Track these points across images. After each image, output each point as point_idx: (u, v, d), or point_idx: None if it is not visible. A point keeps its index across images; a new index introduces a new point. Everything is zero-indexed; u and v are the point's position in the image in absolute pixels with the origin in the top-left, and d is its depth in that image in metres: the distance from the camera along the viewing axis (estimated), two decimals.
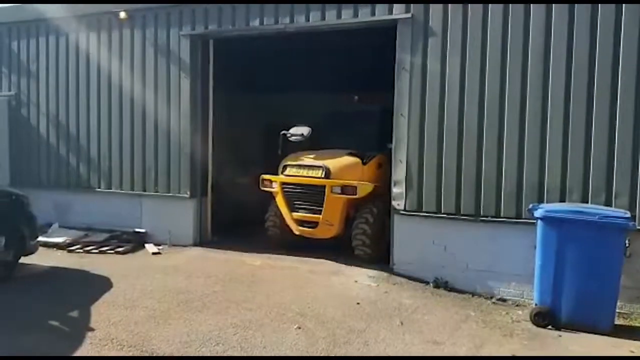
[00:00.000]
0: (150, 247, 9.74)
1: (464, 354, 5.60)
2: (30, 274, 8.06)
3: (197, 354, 5.31)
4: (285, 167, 9.61)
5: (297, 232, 9.49)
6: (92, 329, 5.82)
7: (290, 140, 10.01)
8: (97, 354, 5.25)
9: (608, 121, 7.07)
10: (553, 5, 7.25)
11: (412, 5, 8.01)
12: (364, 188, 8.77)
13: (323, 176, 9.03)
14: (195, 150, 9.90)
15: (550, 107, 7.30)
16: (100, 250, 9.57)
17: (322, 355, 5.40)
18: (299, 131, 9.86)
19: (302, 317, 6.36)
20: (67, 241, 9.82)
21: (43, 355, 5.22)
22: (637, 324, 6.66)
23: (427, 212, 8.03)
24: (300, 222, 9.34)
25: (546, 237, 6.48)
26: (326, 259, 9.03)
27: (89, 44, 10.58)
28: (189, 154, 9.83)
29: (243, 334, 5.79)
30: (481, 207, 7.70)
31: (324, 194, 8.94)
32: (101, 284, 7.53)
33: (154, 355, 5.27)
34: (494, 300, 7.47)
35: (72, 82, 10.81)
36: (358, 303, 6.95)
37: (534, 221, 6.76)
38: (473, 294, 7.64)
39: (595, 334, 6.17)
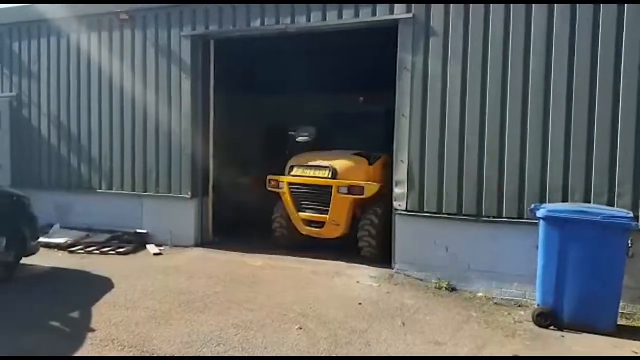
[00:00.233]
0: (151, 248, 9.73)
1: (465, 354, 5.57)
2: (31, 274, 8.05)
3: (198, 355, 5.29)
4: (292, 167, 9.69)
5: (303, 232, 9.56)
6: (92, 330, 5.81)
7: (297, 141, 10.08)
8: (97, 355, 5.23)
9: (610, 121, 7.04)
10: (555, 4, 7.22)
11: (413, 5, 7.99)
12: (371, 188, 8.85)
13: (330, 176, 9.12)
14: (196, 150, 9.90)
15: (552, 106, 7.28)
16: (101, 251, 9.55)
17: (323, 355, 5.38)
18: (306, 132, 9.90)
19: (304, 317, 6.35)
20: (68, 242, 9.81)
21: (44, 355, 5.20)
22: None
23: (428, 213, 8.00)
24: (307, 222, 9.43)
25: (548, 237, 6.44)
26: (328, 259, 9.05)
27: (89, 44, 10.58)
28: (190, 154, 9.82)
29: (244, 334, 5.78)
30: (483, 207, 7.67)
31: (331, 194, 9.03)
32: (102, 285, 7.52)
33: (155, 355, 5.25)
34: (496, 300, 7.43)
35: (73, 83, 10.81)
36: (360, 303, 6.93)
37: (536, 221, 6.72)
38: (475, 295, 7.61)
39: (598, 334, 6.13)
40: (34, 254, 8.08)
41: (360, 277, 8.10)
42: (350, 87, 11.32)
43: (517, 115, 7.45)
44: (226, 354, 5.32)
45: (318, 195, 9.21)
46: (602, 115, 7.07)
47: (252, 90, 13.36)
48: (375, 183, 8.94)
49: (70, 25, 10.70)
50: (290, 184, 9.50)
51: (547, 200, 7.24)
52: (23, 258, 7.91)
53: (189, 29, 9.66)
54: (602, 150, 7.07)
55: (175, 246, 9.89)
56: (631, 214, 6.36)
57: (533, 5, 7.34)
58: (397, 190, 8.24)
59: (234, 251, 9.57)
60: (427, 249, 8.05)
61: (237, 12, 9.24)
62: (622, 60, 6.98)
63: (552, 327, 6.35)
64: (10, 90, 11.43)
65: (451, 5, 7.76)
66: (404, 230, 8.23)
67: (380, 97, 9.29)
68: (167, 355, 5.27)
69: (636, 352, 5.75)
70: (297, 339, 5.71)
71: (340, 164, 9.25)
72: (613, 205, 6.96)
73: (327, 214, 9.15)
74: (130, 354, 5.27)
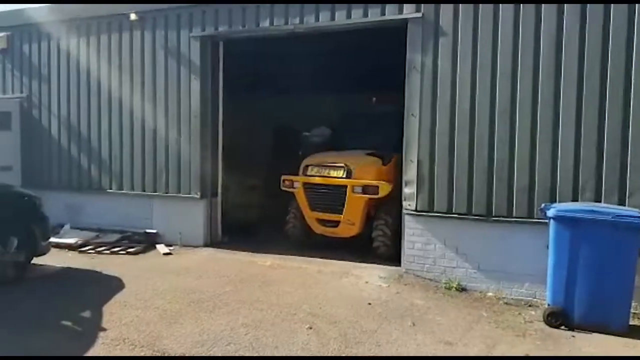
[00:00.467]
0: (161, 248, 9.77)
1: (476, 354, 5.56)
2: (42, 274, 8.09)
3: (208, 354, 5.31)
4: (306, 167, 9.75)
5: (318, 231, 9.66)
6: (104, 329, 5.83)
7: (311, 141, 10.21)
8: (109, 354, 5.26)
9: (621, 120, 7.00)
10: (565, 5, 7.20)
11: (422, 5, 7.98)
12: (385, 188, 8.91)
13: (345, 176, 9.20)
14: (206, 151, 9.92)
15: (562, 105, 7.25)
16: (111, 251, 9.60)
17: (334, 355, 5.38)
18: (320, 132, 10.05)
19: (314, 317, 6.35)
20: (79, 242, 9.86)
21: (56, 355, 5.23)
22: None
23: (438, 212, 7.98)
24: (322, 222, 9.53)
25: (559, 237, 6.42)
26: (337, 259, 9.06)
27: (99, 46, 10.64)
28: (199, 154, 9.85)
29: (254, 333, 5.79)
30: (493, 207, 7.65)
31: (346, 194, 9.11)
32: (113, 285, 7.56)
33: (166, 355, 5.27)
34: (506, 300, 7.41)
35: (83, 84, 10.87)
36: (369, 304, 6.93)
37: (546, 221, 6.70)
38: (485, 295, 7.59)
39: (609, 334, 6.10)
40: (45, 254, 8.12)
41: (370, 277, 8.10)
42: (359, 87, 11.33)
43: (527, 115, 7.42)
44: (237, 354, 5.33)
45: (333, 195, 9.29)
46: (612, 114, 7.03)
47: (259, 91, 13.40)
48: (389, 183, 8.99)
49: (80, 27, 10.78)
50: (305, 183, 9.58)
51: (557, 200, 7.21)
52: (34, 258, 7.95)
53: (199, 30, 9.68)
54: (613, 149, 7.03)
55: (185, 246, 9.92)
56: None
57: (543, 4, 7.31)
58: (406, 190, 8.23)
59: (243, 251, 9.59)
60: (437, 249, 8.04)
61: (246, 13, 9.26)
62: (633, 60, 6.94)
63: (563, 327, 6.32)
64: (21, 92, 11.51)
65: (460, 4, 7.74)
66: (413, 230, 8.20)
67: (389, 97, 9.31)
68: (178, 355, 5.28)
69: None
70: (307, 339, 5.71)
71: (355, 163, 9.33)
72: (624, 205, 6.91)
73: (341, 213, 9.23)
74: (142, 354, 5.29)
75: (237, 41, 9.98)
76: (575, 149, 7.19)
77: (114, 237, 10.21)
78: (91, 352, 5.28)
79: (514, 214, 7.54)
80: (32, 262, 7.95)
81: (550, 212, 6.50)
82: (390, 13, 8.22)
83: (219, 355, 5.30)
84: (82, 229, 10.56)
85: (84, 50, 10.81)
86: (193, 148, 9.85)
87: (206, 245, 10.01)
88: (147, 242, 10.01)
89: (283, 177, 9.92)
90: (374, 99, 10.67)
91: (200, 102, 9.78)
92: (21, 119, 11.48)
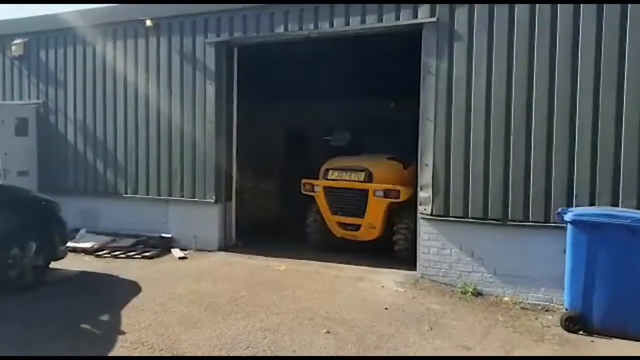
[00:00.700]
0: (176, 252, 9.82)
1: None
2: (60, 278, 8.15)
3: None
4: (327, 171, 9.82)
5: (338, 235, 9.76)
6: (123, 332, 5.87)
7: (332, 145, 10.40)
8: (127, 356, 5.30)
9: (638, 123, 6.98)
10: (581, 5, 7.19)
11: (437, 9, 7.99)
12: (406, 192, 8.95)
13: (366, 180, 9.26)
14: (220, 155, 9.97)
15: (579, 109, 7.23)
16: (127, 255, 9.65)
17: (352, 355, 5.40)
18: (340, 136, 10.27)
19: (331, 321, 6.36)
20: (95, 246, 9.92)
21: (77, 355, 5.29)
22: None
23: (454, 217, 7.98)
24: (343, 225, 9.61)
25: (576, 241, 6.40)
26: (353, 264, 9.06)
27: (115, 51, 10.73)
28: (214, 159, 9.90)
29: (272, 337, 5.81)
30: (509, 211, 7.63)
31: (367, 198, 9.18)
32: (130, 289, 7.60)
33: (184, 355, 5.30)
34: (522, 305, 7.38)
35: (99, 90, 10.96)
36: (386, 308, 6.93)
37: (563, 225, 6.68)
38: (501, 299, 7.57)
39: (629, 339, 6.06)
40: (62, 258, 8.17)
41: (386, 281, 8.10)
42: (374, 92, 11.38)
43: (543, 118, 7.41)
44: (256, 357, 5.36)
45: (354, 199, 9.38)
46: (629, 118, 7.01)
47: (273, 96, 13.45)
48: (410, 187, 9.06)
49: (96, 33, 10.87)
50: (325, 187, 9.68)
51: (573, 204, 7.19)
52: (52, 262, 8.01)
53: (214, 36, 9.75)
54: (630, 153, 7.00)
55: (200, 250, 9.96)
56: None
57: (558, 5, 7.30)
58: (422, 195, 8.23)
59: (257, 255, 9.62)
60: (452, 253, 8.03)
61: (261, 19, 9.32)
62: None
63: (581, 332, 6.29)
64: (37, 98, 11.62)
65: (475, 8, 7.75)
66: (429, 235, 8.20)
67: (403, 102, 9.35)
68: (196, 355, 5.31)
69: None
70: (325, 343, 5.72)
71: (376, 168, 9.43)
72: None
73: (363, 217, 9.32)
74: (162, 356, 5.32)
75: (251, 47, 10.04)
76: (592, 152, 7.17)
77: (129, 241, 10.27)
78: (111, 355, 5.32)
79: (530, 219, 7.52)
80: (50, 266, 8.00)
81: (568, 217, 6.47)
82: (405, 18, 8.24)
83: (238, 355, 5.33)
84: (97, 234, 10.62)
85: (100, 56, 10.91)
86: (208, 153, 9.90)
87: (220, 249, 10.05)
88: (162, 246, 10.07)
89: (303, 180, 10.02)
90: (392, 104, 10.68)
91: (215, 107, 9.83)
92: (37, 124, 11.58)
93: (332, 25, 8.76)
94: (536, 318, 6.88)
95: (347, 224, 9.57)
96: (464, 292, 7.73)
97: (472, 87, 7.81)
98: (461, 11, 7.84)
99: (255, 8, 9.30)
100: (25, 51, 11.62)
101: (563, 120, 7.32)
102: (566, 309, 6.52)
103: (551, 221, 7.31)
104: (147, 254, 9.68)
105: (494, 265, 7.76)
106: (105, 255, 9.72)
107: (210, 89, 9.83)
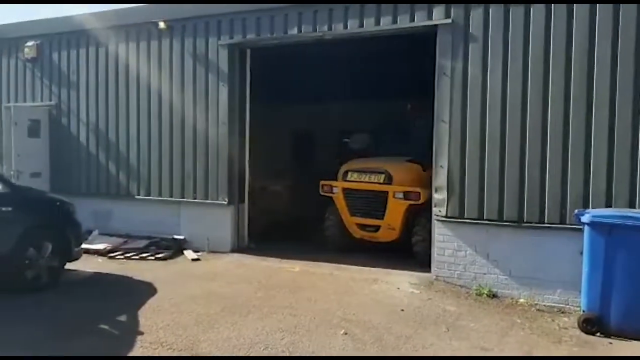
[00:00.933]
0: (189, 254, 9.83)
1: None
2: (75, 279, 8.19)
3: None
4: (346, 172, 9.89)
5: (357, 236, 9.83)
6: (141, 333, 5.88)
7: (351, 147, 10.56)
8: (147, 356, 5.31)
9: None
10: (597, 5, 7.17)
11: (452, 10, 7.99)
12: (426, 194, 8.96)
13: (385, 182, 9.33)
14: (233, 157, 9.99)
15: (595, 110, 7.21)
16: (140, 257, 9.68)
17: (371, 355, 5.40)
18: (359, 139, 10.44)
19: (348, 322, 6.35)
20: (108, 248, 9.95)
21: (99, 355, 5.30)
22: None
23: (469, 219, 7.95)
24: (362, 226, 9.66)
25: (594, 243, 6.38)
26: (368, 265, 9.05)
27: (128, 54, 10.77)
28: (226, 161, 9.91)
29: (290, 338, 5.80)
30: (525, 213, 7.60)
31: (387, 199, 9.24)
32: (145, 290, 7.62)
33: (204, 355, 5.31)
34: (538, 307, 7.36)
35: (111, 92, 10.99)
36: (402, 310, 6.92)
37: (579, 227, 6.67)
38: (516, 301, 7.54)
39: None
40: (77, 259, 8.20)
41: (400, 283, 8.08)
42: (389, 94, 11.42)
43: (559, 119, 7.39)
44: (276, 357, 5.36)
45: (373, 200, 9.44)
46: None
47: (284, 98, 13.50)
48: (429, 189, 8.98)
49: (109, 35, 10.91)
50: (345, 189, 9.73)
51: (589, 206, 7.15)
52: (67, 263, 8.03)
53: (227, 38, 9.77)
54: None
55: (212, 252, 9.97)
56: None
57: (574, 5, 7.29)
58: (436, 196, 8.22)
59: (270, 257, 9.62)
60: (467, 255, 8.01)
61: (274, 20, 9.34)
62: None
63: (598, 334, 6.27)
64: (50, 100, 11.67)
65: (490, 9, 7.74)
66: (443, 236, 8.19)
67: (421, 104, 9.36)
68: (216, 355, 5.32)
69: None
70: (343, 344, 5.72)
71: (395, 170, 9.49)
72: None
73: (382, 218, 9.37)
74: (181, 357, 5.33)
75: (263, 49, 10.07)
76: (609, 153, 7.15)
77: (142, 242, 10.28)
78: (131, 355, 5.33)
79: (546, 220, 7.49)
80: (65, 267, 8.02)
81: (585, 218, 6.45)
82: (420, 19, 8.24)
83: (256, 356, 5.34)
84: (110, 235, 10.65)
85: (113, 59, 10.95)
86: (221, 154, 9.92)
87: (233, 251, 10.05)
88: (175, 248, 10.08)
89: (322, 182, 10.09)
90: (409, 106, 10.69)
91: (228, 109, 9.84)
92: (50, 126, 11.64)
93: (346, 26, 8.76)
94: (553, 320, 6.86)
95: (366, 225, 9.63)
96: (479, 294, 7.71)
97: (487, 88, 7.79)
98: (476, 12, 7.84)
99: (268, 10, 9.31)
100: (38, 53, 11.68)
101: (579, 121, 7.29)
102: (583, 311, 6.50)
103: (567, 223, 7.29)
104: (160, 255, 9.70)
105: (509, 267, 7.74)
106: (119, 256, 9.75)
107: (224, 91, 9.84)
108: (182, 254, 9.94)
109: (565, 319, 6.91)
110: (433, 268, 8.34)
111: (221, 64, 9.85)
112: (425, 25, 8.23)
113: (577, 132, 7.30)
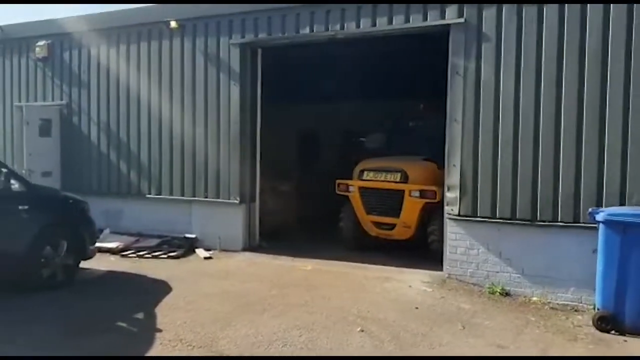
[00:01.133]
0: (201, 252, 9.87)
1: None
2: (89, 278, 8.24)
3: (266, 354, 5.38)
4: (362, 171, 9.99)
5: (373, 234, 9.94)
6: (159, 330, 5.93)
7: (366, 147, 10.70)
8: (169, 354, 5.34)
9: None
10: (611, 5, 7.19)
11: (465, 10, 8.01)
12: (441, 192, 8.94)
13: (402, 180, 9.42)
14: (245, 156, 10.02)
15: (609, 109, 7.22)
16: (153, 255, 9.71)
17: (390, 355, 5.43)
18: (375, 138, 10.60)
19: (363, 320, 6.39)
20: (120, 246, 9.99)
21: (120, 355, 5.34)
22: None
23: (482, 217, 7.98)
24: (378, 224, 9.77)
25: (609, 241, 6.40)
26: (379, 264, 9.10)
27: (139, 53, 10.80)
28: (238, 159, 9.94)
29: (308, 335, 5.84)
30: (538, 211, 7.63)
31: (403, 198, 9.34)
32: (160, 288, 7.67)
33: (225, 355, 5.35)
34: (551, 305, 7.38)
35: (122, 91, 11.03)
36: (416, 307, 6.96)
37: (593, 225, 6.71)
38: (529, 299, 7.57)
39: None
40: (91, 257, 8.26)
41: (413, 281, 8.12)
42: (401, 93, 11.48)
43: (572, 118, 7.41)
44: (294, 355, 5.39)
45: (390, 199, 9.54)
46: None
47: (294, 97, 13.55)
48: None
49: (120, 35, 10.96)
50: (361, 187, 9.83)
51: (603, 204, 7.16)
52: (81, 262, 8.07)
53: (239, 37, 9.80)
54: None
55: (224, 251, 10.01)
56: None
57: (588, 6, 7.31)
58: (449, 195, 8.25)
59: (282, 255, 9.67)
60: (480, 253, 8.04)
61: (286, 20, 9.36)
62: None
63: (613, 332, 6.29)
64: (61, 99, 11.72)
65: (504, 9, 7.75)
66: (456, 235, 8.21)
67: (434, 104, 9.42)
68: (236, 355, 5.36)
69: None
70: (361, 341, 5.76)
71: (411, 168, 9.58)
72: None
73: (398, 216, 9.46)
74: (201, 354, 5.37)
75: (275, 48, 10.10)
76: (622, 153, 7.16)
77: (154, 241, 10.32)
78: (152, 352, 5.38)
79: (559, 219, 7.51)
80: (79, 265, 8.07)
81: (600, 216, 6.48)
82: (433, 19, 8.26)
83: (277, 355, 5.38)
84: (121, 234, 10.69)
85: (124, 58, 10.99)
86: (232, 154, 9.95)
87: (245, 249, 10.09)
88: (187, 247, 10.12)
89: (338, 181, 10.21)
90: (422, 106, 10.73)
91: (240, 109, 9.87)
92: (61, 125, 11.68)
93: (358, 26, 8.79)
94: (566, 318, 6.89)
95: (382, 223, 9.74)
96: (492, 292, 7.74)
97: (500, 87, 7.81)
98: (489, 12, 7.86)
99: (280, 9, 9.34)
100: (49, 53, 11.72)
101: (592, 120, 7.31)
102: (598, 309, 6.52)
103: (580, 221, 7.32)
104: (172, 254, 9.74)
105: (522, 266, 7.76)
106: (131, 255, 9.79)
107: (235, 90, 9.87)
108: (194, 252, 9.99)
109: (579, 317, 6.94)
110: (445, 266, 8.37)
111: (232, 63, 9.88)
112: (438, 25, 8.26)
113: (591, 131, 7.32)
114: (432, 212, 9.17)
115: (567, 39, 7.43)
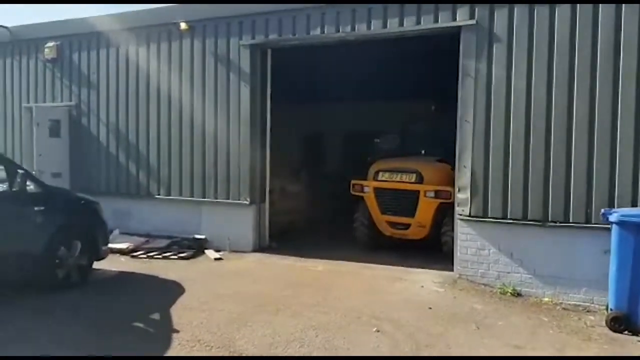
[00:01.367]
0: (211, 253, 9.90)
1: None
2: (102, 278, 8.27)
3: (284, 355, 5.41)
4: (377, 172, 10.11)
5: (387, 234, 10.09)
6: (177, 331, 5.94)
7: (381, 147, 10.86)
8: (187, 355, 5.37)
9: None
10: (623, 5, 7.22)
11: (476, 11, 8.04)
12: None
13: (417, 181, 9.56)
14: (255, 157, 10.06)
15: (621, 110, 7.27)
16: (163, 256, 9.74)
17: (408, 355, 5.47)
18: (389, 139, 10.75)
19: (378, 320, 6.41)
20: (130, 247, 10.01)
21: (139, 355, 5.37)
22: None
23: (493, 218, 8.02)
24: (393, 224, 9.91)
25: (622, 242, 6.42)
26: (388, 264, 9.15)
27: (149, 54, 10.83)
28: (248, 160, 9.97)
29: (325, 336, 5.87)
30: (549, 212, 7.66)
31: (418, 198, 9.48)
32: (173, 288, 7.70)
33: (243, 355, 5.38)
34: (563, 305, 7.42)
35: (131, 92, 11.07)
36: (430, 308, 6.98)
37: (604, 226, 6.77)
38: (541, 300, 7.60)
39: None
40: (104, 258, 8.29)
41: (424, 282, 8.16)
42: (412, 94, 11.54)
43: (584, 120, 7.45)
44: (312, 355, 5.42)
45: (405, 199, 9.67)
46: None
47: (303, 98, 13.60)
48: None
49: (129, 36, 10.99)
50: (376, 188, 9.96)
51: (615, 205, 7.20)
52: (95, 262, 8.11)
53: (249, 38, 9.82)
54: None
55: (234, 251, 10.03)
56: None
57: (600, 6, 7.34)
58: (460, 196, 8.28)
59: (292, 256, 9.72)
60: (491, 254, 8.07)
61: (297, 21, 9.40)
62: None
63: (626, 332, 6.32)
64: (70, 100, 11.76)
65: (515, 10, 7.79)
66: (467, 235, 8.25)
67: (442, 104, 9.47)
68: (255, 355, 5.39)
69: None
70: (377, 341, 5.79)
71: (426, 169, 9.71)
72: None
73: (413, 216, 9.60)
74: (219, 354, 5.39)
75: (286, 49, 10.12)
76: (635, 154, 7.20)
77: (164, 242, 10.35)
78: (170, 353, 5.40)
79: (571, 220, 7.55)
80: (93, 266, 8.10)
81: (613, 217, 6.51)
82: (444, 20, 8.30)
83: (295, 355, 5.41)
84: (131, 234, 10.71)
85: (133, 59, 11.01)
86: (242, 154, 9.98)
87: (255, 250, 10.12)
88: (196, 247, 10.15)
89: (353, 181, 10.34)
90: (433, 107, 10.79)
91: (250, 109, 9.90)
92: (70, 126, 11.72)
93: (369, 27, 8.82)
94: (579, 318, 6.92)
95: (397, 223, 9.88)
96: (503, 293, 7.78)
97: (511, 88, 7.85)
98: (501, 13, 7.89)
99: (291, 10, 9.37)
100: (58, 54, 11.76)
101: (604, 120, 7.35)
102: (611, 309, 6.55)
103: (592, 222, 7.36)
104: (182, 254, 9.77)
105: (534, 266, 7.79)
106: (141, 255, 9.81)
107: (245, 91, 9.90)
108: (204, 253, 10.02)
109: (591, 317, 6.97)
110: (456, 267, 8.40)
111: (242, 64, 9.91)
112: (449, 27, 8.29)
113: (603, 132, 7.36)
114: (446, 213, 9.24)
115: (579, 40, 7.47)
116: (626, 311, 6.37)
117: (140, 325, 6.28)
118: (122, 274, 8.62)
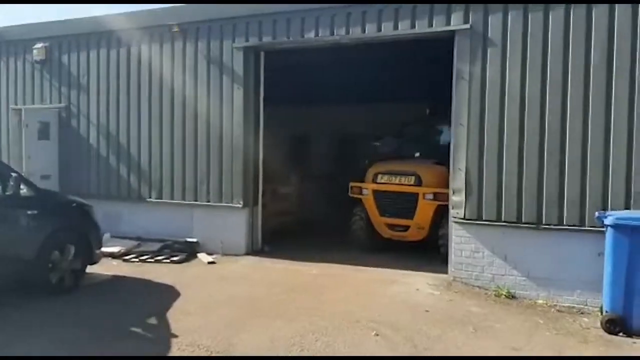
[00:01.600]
0: (203, 257, 9.83)
1: None
2: (95, 282, 8.18)
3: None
4: (376, 175, 10.16)
5: (386, 235, 10.16)
6: (175, 335, 5.90)
7: (378, 150, 10.89)
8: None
9: None
10: (616, 6, 7.29)
11: (470, 16, 8.09)
12: None
13: (415, 183, 9.68)
14: (248, 160, 10.02)
15: (614, 113, 7.33)
16: (155, 260, 9.65)
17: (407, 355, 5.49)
18: (388, 142, 10.79)
19: (376, 324, 6.41)
20: (122, 251, 9.91)
21: (141, 356, 5.33)
22: None
23: (487, 220, 8.05)
24: (391, 226, 9.98)
25: (617, 245, 6.49)
26: (381, 267, 9.15)
27: (140, 56, 10.75)
28: (241, 163, 9.92)
29: (324, 340, 5.86)
30: (543, 215, 7.72)
31: (417, 200, 9.57)
32: (168, 292, 7.64)
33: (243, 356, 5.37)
34: (557, 308, 7.47)
35: (122, 94, 10.96)
36: (427, 311, 7.00)
37: (598, 229, 6.83)
38: (535, 302, 7.65)
39: None
40: (97, 262, 8.21)
41: (419, 284, 8.17)
42: (398, 97, 11.57)
43: (578, 122, 7.51)
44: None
45: (404, 201, 9.74)
46: None
47: (296, 101, 13.61)
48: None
49: (120, 38, 10.90)
50: (375, 190, 10.02)
51: (609, 208, 7.26)
52: (88, 266, 8.03)
53: (242, 41, 9.78)
54: None
55: (226, 255, 9.97)
56: None
57: (593, 8, 7.40)
58: (454, 198, 8.32)
59: (286, 259, 9.67)
60: (485, 256, 8.11)
61: (291, 24, 9.37)
62: None
63: (621, 334, 6.38)
64: (59, 102, 11.63)
65: (509, 14, 7.84)
66: (461, 238, 8.28)
67: (436, 107, 9.53)
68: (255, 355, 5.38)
69: None
70: (376, 345, 5.80)
71: (424, 172, 9.80)
72: None
73: (412, 218, 9.68)
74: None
75: (279, 52, 10.11)
76: (628, 156, 7.27)
77: (155, 245, 10.25)
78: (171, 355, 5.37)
79: (565, 222, 7.60)
80: (86, 269, 8.02)
81: (608, 220, 6.57)
82: (438, 25, 8.32)
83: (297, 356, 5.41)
84: (122, 238, 10.59)
85: (124, 61, 10.92)
86: (235, 157, 9.93)
87: (248, 254, 10.06)
88: (189, 251, 10.06)
89: (351, 184, 10.39)
90: (428, 110, 10.86)
91: (243, 112, 9.85)
92: (59, 128, 11.59)
93: (364, 31, 8.83)
94: (574, 320, 6.97)
95: (396, 225, 9.96)
96: (498, 295, 7.82)
97: (505, 92, 7.90)
98: (495, 17, 7.94)
99: (285, 12, 9.35)
100: (47, 55, 11.63)
101: (598, 124, 7.41)
102: (606, 311, 6.61)
103: (586, 225, 7.42)
104: (175, 258, 9.69)
105: (528, 269, 7.84)
106: (133, 259, 9.72)
107: (238, 93, 9.85)
108: (196, 257, 9.94)
109: (586, 319, 7.03)
110: (450, 269, 8.43)
111: (236, 66, 9.86)
112: (443, 31, 8.32)
113: (596, 134, 7.42)
114: (443, 215, 9.27)
115: (573, 43, 7.53)
116: (621, 313, 6.44)
117: (139, 330, 6.23)
118: (115, 278, 8.53)
